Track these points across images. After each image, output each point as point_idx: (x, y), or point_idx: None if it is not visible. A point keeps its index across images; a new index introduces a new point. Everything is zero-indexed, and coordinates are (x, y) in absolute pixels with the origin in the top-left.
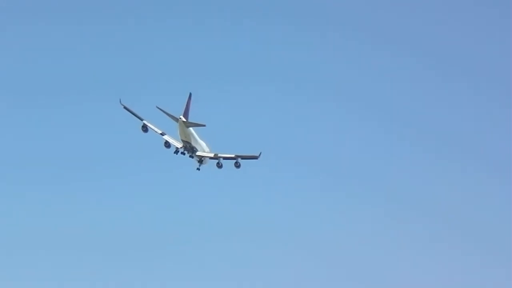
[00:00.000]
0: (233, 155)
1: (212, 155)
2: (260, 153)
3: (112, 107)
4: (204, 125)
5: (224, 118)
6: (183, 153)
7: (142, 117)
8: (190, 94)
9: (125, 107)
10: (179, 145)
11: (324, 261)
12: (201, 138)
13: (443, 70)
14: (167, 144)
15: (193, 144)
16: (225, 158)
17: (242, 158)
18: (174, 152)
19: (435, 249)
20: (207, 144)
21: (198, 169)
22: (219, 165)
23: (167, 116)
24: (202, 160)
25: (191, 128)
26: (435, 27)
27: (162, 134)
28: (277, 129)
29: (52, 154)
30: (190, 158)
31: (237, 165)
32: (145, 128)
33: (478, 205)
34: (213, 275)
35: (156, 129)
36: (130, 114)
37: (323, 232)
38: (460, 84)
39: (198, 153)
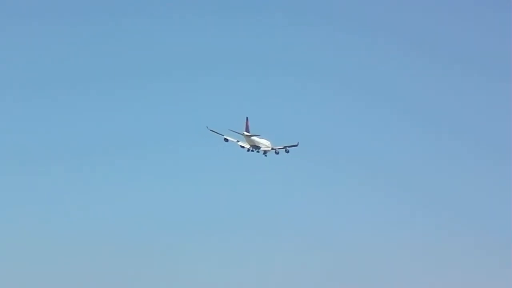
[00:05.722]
0: (282, 146)
1: (270, 148)
2: (298, 142)
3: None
4: (259, 135)
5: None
6: (252, 151)
7: (222, 133)
8: (247, 118)
9: (211, 130)
10: (248, 146)
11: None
12: (261, 138)
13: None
14: (242, 147)
15: (257, 144)
16: (279, 149)
17: (289, 147)
18: (247, 151)
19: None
20: (267, 140)
21: (265, 155)
22: (276, 153)
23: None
24: (266, 152)
25: (253, 137)
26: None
27: (237, 141)
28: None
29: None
30: (257, 153)
31: (287, 151)
32: (226, 140)
33: (486, 199)
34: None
35: (232, 139)
36: (215, 133)
37: (342, 228)
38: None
39: (261, 149)
